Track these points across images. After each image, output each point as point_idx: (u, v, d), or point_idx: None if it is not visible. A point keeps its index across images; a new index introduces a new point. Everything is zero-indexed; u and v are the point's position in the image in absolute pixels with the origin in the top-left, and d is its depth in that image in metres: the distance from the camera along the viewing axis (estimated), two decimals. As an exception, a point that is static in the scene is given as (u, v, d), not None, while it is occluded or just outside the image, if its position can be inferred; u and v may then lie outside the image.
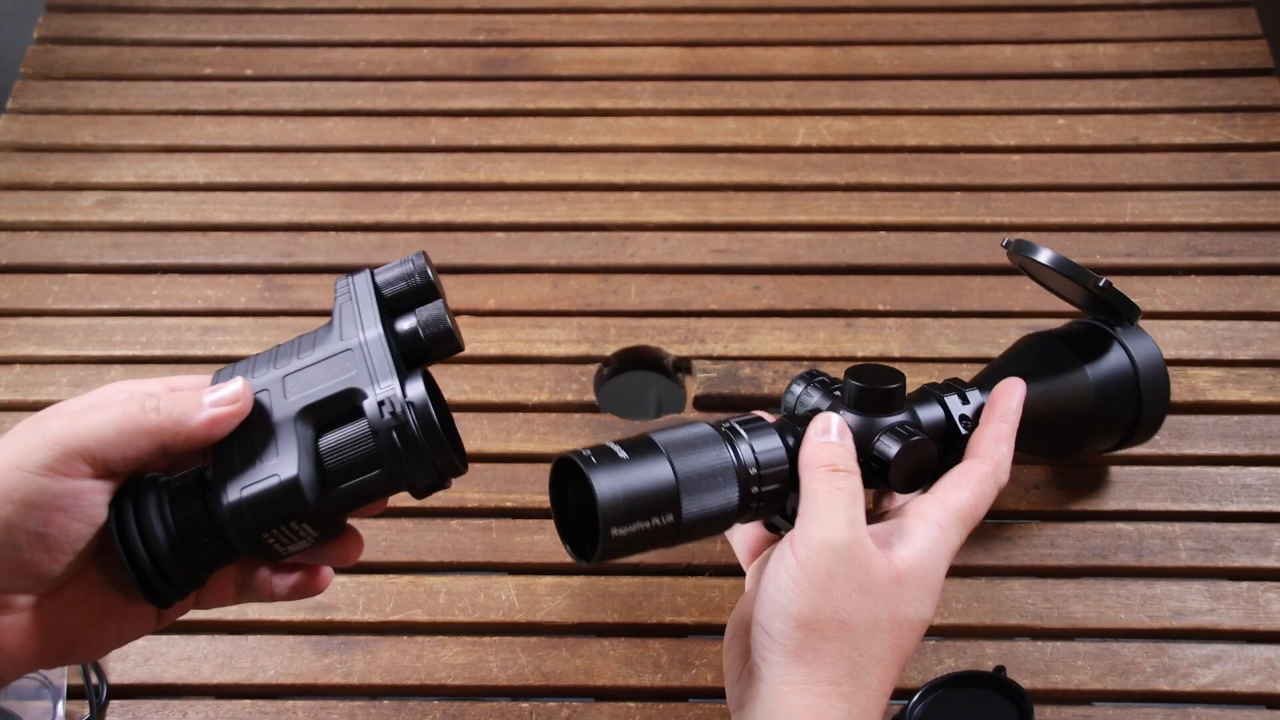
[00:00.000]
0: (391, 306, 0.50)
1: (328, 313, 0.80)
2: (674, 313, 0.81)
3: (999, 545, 0.69)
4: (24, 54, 0.97)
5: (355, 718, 0.64)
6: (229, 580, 0.50)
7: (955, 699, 0.63)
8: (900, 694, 0.64)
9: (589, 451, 0.50)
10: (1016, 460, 0.73)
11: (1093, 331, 0.66)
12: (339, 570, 0.67)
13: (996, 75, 0.94)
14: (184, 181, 0.88)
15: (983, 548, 0.69)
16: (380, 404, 0.47)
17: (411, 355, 0.50)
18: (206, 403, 0.46)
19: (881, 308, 0.80)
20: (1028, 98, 0.93)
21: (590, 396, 0.77)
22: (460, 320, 0.80)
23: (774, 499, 0.53)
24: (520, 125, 0.92)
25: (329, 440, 0.47)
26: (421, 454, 0.47)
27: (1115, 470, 0.72)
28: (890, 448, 0.54)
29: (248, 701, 0.64)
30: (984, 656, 0.65)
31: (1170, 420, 0.71)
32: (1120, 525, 0.70)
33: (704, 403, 0.77)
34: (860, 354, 0.78)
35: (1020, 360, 0.65)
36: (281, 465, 0.46)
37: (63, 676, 0.64)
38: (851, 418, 0.55)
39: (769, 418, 0.55)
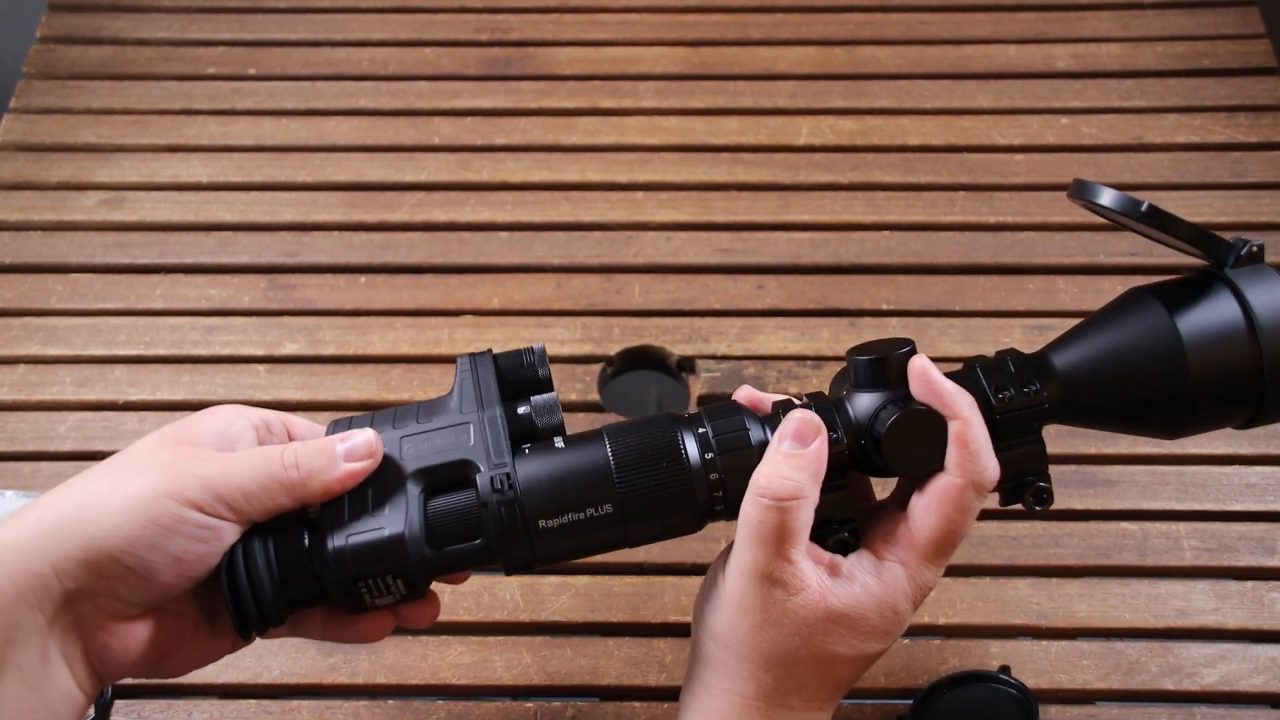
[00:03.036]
0: (507, 390, 0.53)
1: (331, 312, 0.81)
2: (678, 312, 0.81)
3: (1003, 545, 0.69)
4: (27, 53, 0.97)
5: (360, 718, 0.64)
6: (317, 616, 0.52)
7: (960, 698, 0.63)
8: (904, 693, 0.64)
9: (528, 447, 0.50)
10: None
11: (1201, 277, 0.52)
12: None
13: (1000, 75, 0.94)
14: (187, 181, 0.88)
15: (987, 547, 0.69)
16: (492, 478, 0.49)
17: (520, 438, 0.51)
18: (340, 456, 0.48)
19: (885, 307, 0.80)
20: (1031, 97, 0.93)
21: (594, 396, 0.77)
22: (464, 320, 0.80)
23: (739, 488, 0.49)
24: (523, 125, 0.92)
25: (438, 504, 0.49)
26: (522, 530, 0.48)
27: (1120, 470, 0.72)
28: (882, 424, 0.49)
29: (252, 701, 0.64)
30: (989, 656, 0.65)
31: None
32: (1125, 525, 0.70)
33: (708, 403, 0.76)
34: (864, 353, 0.78)
35: (1098, 319, 0.54)
36: (390, 520, 0.48)
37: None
38: (863, 398, 0.51)
39: (766, 399, 0.53)
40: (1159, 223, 0.51)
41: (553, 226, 0.85)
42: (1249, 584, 0.68)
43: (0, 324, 0.81)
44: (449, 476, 0.49)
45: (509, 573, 0.50)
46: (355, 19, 0.99)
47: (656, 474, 0.49)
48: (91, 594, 0.45)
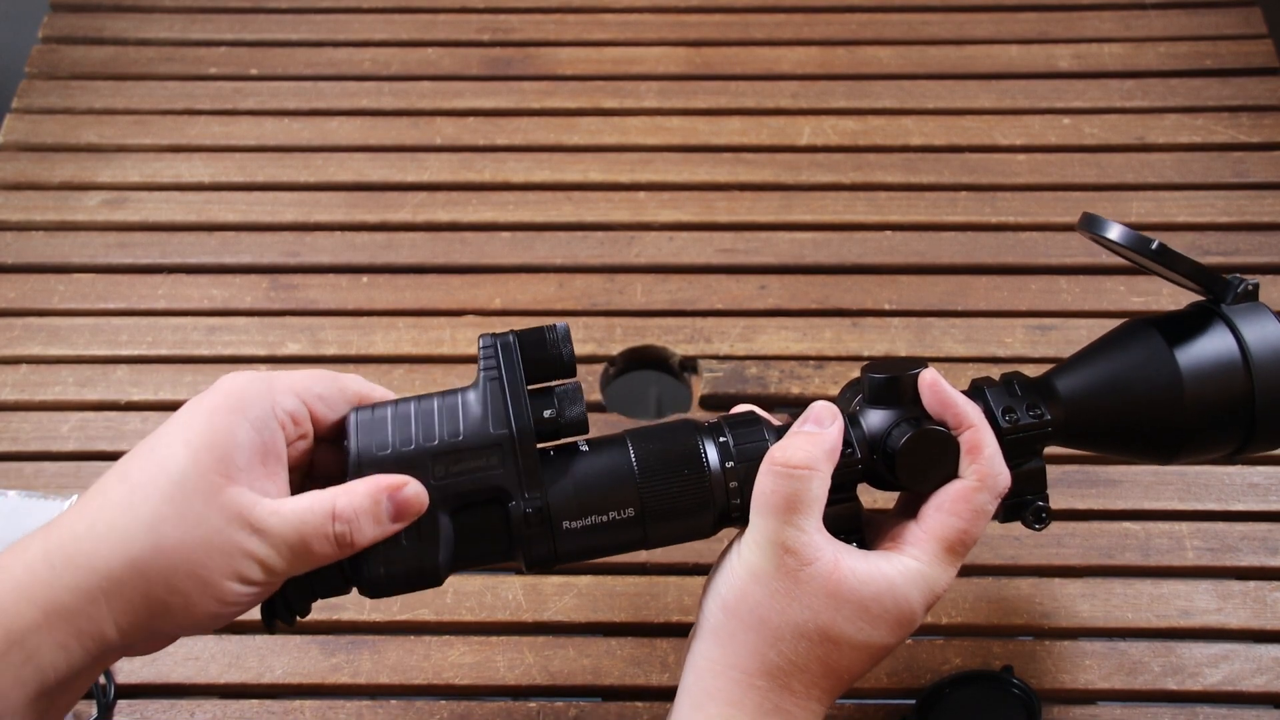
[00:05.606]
0: (531, 374, 0.52)
1: (333, 312, 0.81)
2: (680, 312, 0.81)
3: (1006, 544, 0.69)
4: (29, 53, 0.97)
5: (362, 717, 0.64)
6: None
7: (963, 698, 0.63)
8: (907, 693, 0.64)
9: (552, 450, 0.51)
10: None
11: (1199, 312, 0.55)
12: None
13: (1001, 75, 0.94)
14: (189, 181, 0.88)
15: (990, 547, 0.69)
16: (527, 513, 0.50)
17: (545, 436, 0.52)
18: (388, 519, 0.48)
19: (887, 307, 0.80)
20: (1033, 97, 0.93)
21: (597, 396, 0.77)
22: (466, 320, 0.80)
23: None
24: (525, 125, 0.92)
25: (468, 524, 0.50)
26: (547, 534, 0.50)
27: (1122, 470, 0.72)
28: (896, 441, 0.51)
29: (255, 701, 0.64)
30: (991, 656, 0.65)
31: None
32: (1127, 524, 0.70)
33: (710, 402, 0.77)
34: (866, 353, 0.78)
35: (1100, 347, 0.56)
36: (424, 550, 0.49)
37: (70, 676, 0.64)
38: (875, 414, 0.53)
39: (771, 419, 0.54)
40: (1166, 261, 0.53)
41: (555, 226, 0.85)
42: (1251, 584, 0.68)
43: (2, 324, 0.81)
44: (481, 497, 0.50)
45: (529, 570, 0.52)
46: (357, 19, 0.99)
47: (679, 479, 0.51)
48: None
